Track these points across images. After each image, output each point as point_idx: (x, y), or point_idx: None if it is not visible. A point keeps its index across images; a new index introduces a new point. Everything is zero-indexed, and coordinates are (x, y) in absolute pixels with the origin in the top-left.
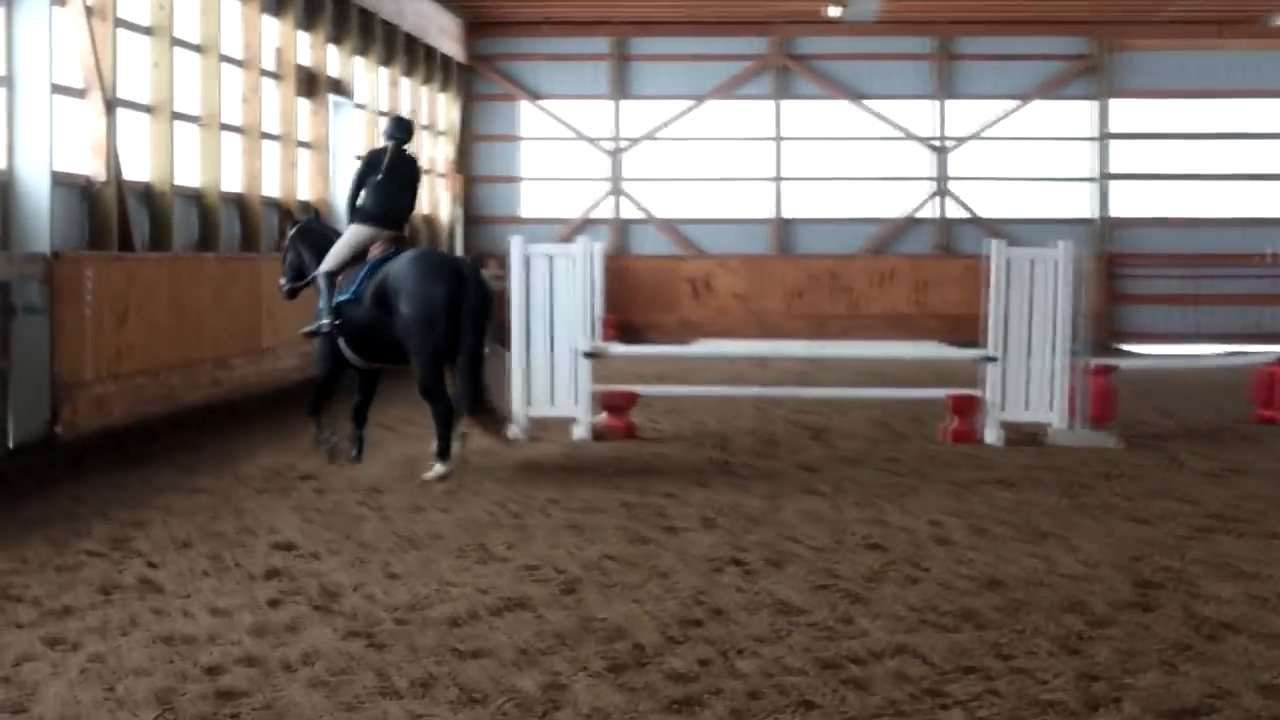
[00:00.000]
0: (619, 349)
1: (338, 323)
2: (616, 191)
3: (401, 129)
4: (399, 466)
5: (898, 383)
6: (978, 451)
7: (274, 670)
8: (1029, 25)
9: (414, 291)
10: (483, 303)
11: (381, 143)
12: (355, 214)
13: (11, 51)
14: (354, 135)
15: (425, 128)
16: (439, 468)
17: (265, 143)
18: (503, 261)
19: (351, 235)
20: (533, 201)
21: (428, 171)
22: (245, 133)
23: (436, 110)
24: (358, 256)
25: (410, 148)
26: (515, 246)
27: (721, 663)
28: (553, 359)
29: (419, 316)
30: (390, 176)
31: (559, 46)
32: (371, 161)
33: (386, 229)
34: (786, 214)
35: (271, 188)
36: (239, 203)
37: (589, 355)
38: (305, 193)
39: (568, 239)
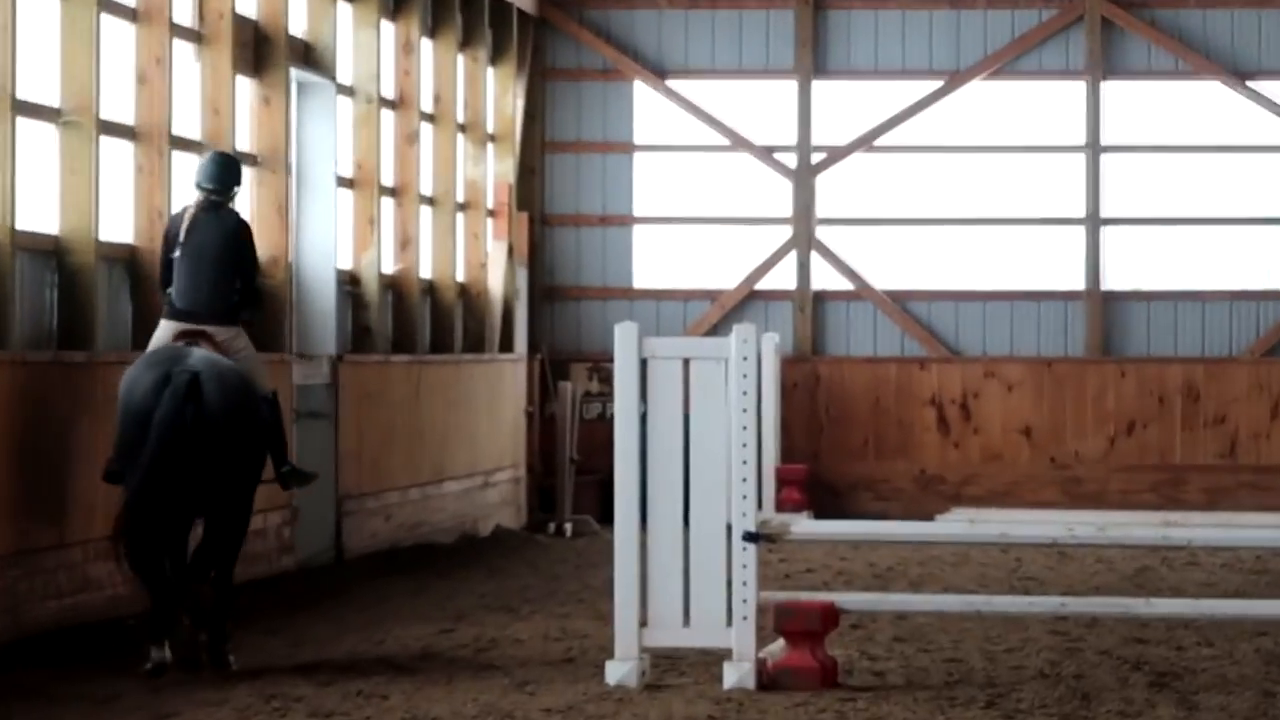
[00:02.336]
0: (807, 526)
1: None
2: (804, 242)
3: (212, 175)
4: None
5: None
6: None
7: None
8: None
9: (119, 404)
10: (192, 420)
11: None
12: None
13: None
14: (335, 139)
15: (462, 128)
16: (154, 654)
17: (178, 155)
18: (599, 369)
19: (155, 335)
20: (654, 262)
21: (467, 207)
22: (140, 138)
23: (483, 97)
24: None
25: (232, 201)
26: (623, 342)
27: None
28: (688, 543)
29: (117, 440)
30: (189, 249)
31: None
32: (168, 229)
33: (183, 323)
34: (1109, 283)
35: None
36: (129, 263)
37: (754, 537)
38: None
39: (715, 328)
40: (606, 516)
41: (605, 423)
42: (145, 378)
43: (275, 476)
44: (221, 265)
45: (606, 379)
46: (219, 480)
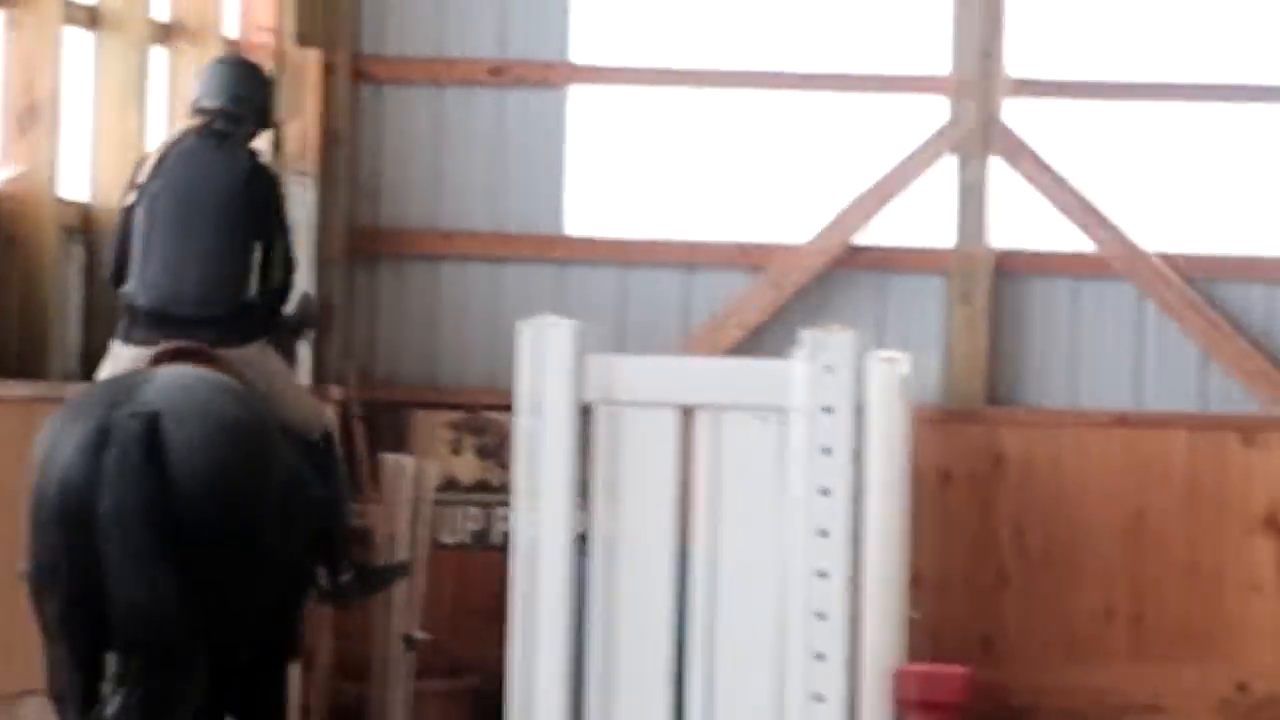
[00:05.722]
0: None
1: None
2: (977, 137)
3: (220, 89)
4: None
5: None
6: None
7: None
8: None
9: (34, 479)
10: (149, 502)
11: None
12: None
13: None
14: None
15: None
16: None
17: None
18: (481, 425)
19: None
20: (613, 180)
21: (173, 36)
22: None
23: None
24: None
25: (253, 137)
26: (536, 360)
27: None
28: None
29: (31, 542)
30: (163, 196)
31: None
32: (136, 183)
33: (156, 339)
34: None
35: None
36: None
37: None
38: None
39: (757, 336)
40: None
41: (491, 553)
42: (70, 433)
43: (329, 589)
44: (226, 228)
45: (497, 451)
46: (217, 605)
